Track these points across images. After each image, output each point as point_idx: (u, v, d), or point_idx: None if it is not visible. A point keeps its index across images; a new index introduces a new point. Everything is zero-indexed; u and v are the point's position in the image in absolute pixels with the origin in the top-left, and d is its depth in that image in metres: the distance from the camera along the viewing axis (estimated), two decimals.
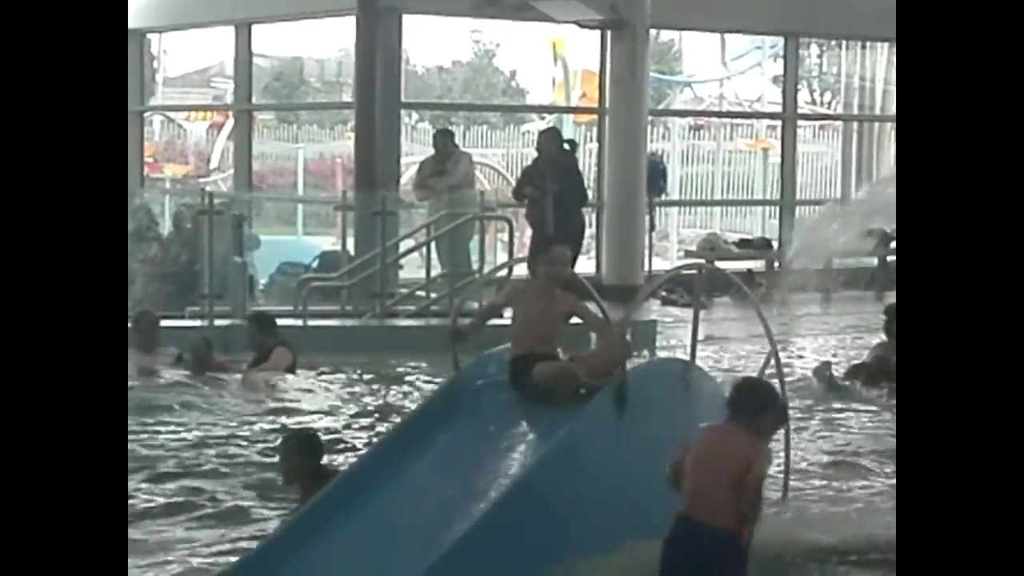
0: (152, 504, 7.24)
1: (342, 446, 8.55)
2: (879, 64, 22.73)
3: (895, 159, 15.46)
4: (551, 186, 14.70)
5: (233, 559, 6.02)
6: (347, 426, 9.29)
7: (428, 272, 14.91)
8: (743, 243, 19.80)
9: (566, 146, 15.50)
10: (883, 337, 10.89)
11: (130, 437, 8.50)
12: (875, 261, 18.13)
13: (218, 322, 12.62)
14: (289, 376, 10.77)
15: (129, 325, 11.42)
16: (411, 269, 15.68)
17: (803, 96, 25.31)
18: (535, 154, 15.65)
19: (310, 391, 10.61)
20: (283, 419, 9.41)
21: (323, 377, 11.16)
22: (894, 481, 3.61)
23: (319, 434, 7.70)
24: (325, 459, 7.25)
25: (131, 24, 20.13)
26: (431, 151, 16.41)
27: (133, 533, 6.47)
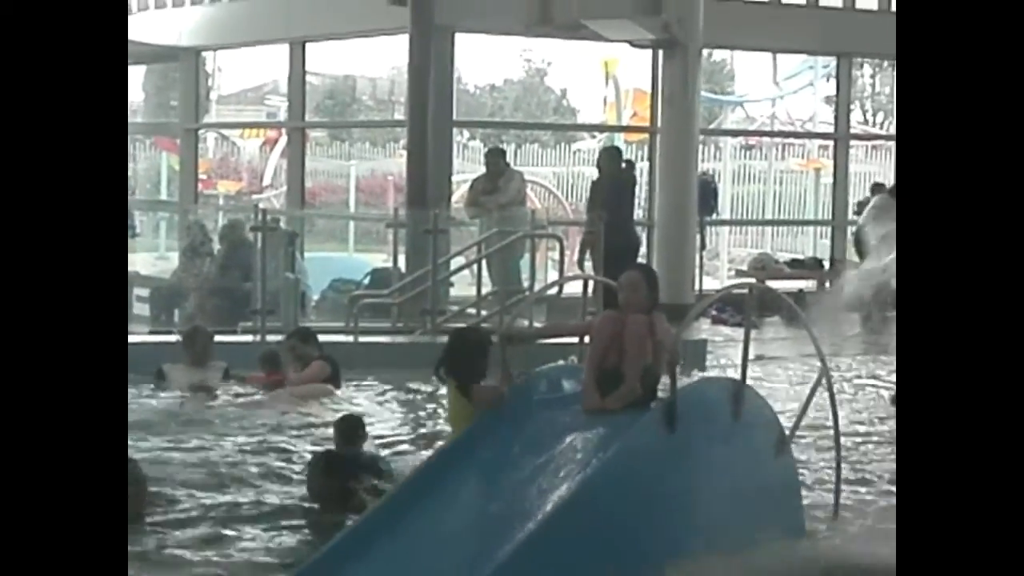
0: (193, 515, 7.22)
1: (392, 461, 8.55)
2: None
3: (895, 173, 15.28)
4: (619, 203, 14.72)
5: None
6: (396, 442, 9.30)
7: (479, 290, 14.93)
8: (794, 263, 19.77)
9: (623, 164, 15.50)
10: None
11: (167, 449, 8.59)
12: None
13: (270, 338, 12.69)
14: (334, 389, 10.82)
15: (180, 340, 11.56)
16: (462, 287, 15.72)
17: (855, 116, 25.26)
18: (586, 172, 15.70)
19: (358, 405, 10.63)
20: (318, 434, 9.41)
21: (371, 393, 11.19)
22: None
23: (343, 456, 7.67)
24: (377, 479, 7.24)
25: (186, 42, 20.39)
26: (482, 169, 16.48)
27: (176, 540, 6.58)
